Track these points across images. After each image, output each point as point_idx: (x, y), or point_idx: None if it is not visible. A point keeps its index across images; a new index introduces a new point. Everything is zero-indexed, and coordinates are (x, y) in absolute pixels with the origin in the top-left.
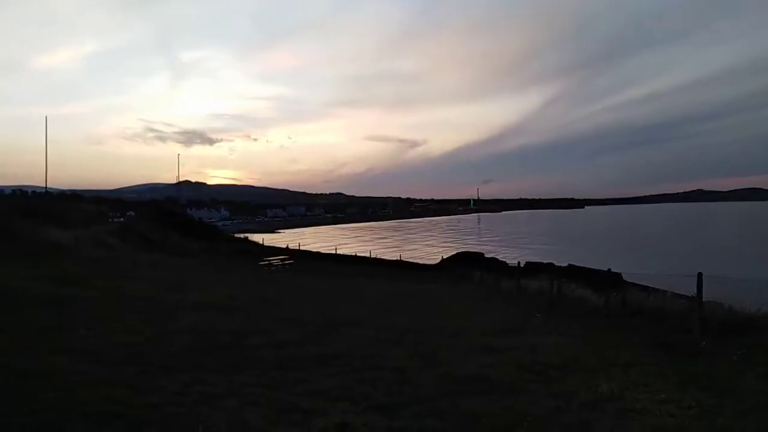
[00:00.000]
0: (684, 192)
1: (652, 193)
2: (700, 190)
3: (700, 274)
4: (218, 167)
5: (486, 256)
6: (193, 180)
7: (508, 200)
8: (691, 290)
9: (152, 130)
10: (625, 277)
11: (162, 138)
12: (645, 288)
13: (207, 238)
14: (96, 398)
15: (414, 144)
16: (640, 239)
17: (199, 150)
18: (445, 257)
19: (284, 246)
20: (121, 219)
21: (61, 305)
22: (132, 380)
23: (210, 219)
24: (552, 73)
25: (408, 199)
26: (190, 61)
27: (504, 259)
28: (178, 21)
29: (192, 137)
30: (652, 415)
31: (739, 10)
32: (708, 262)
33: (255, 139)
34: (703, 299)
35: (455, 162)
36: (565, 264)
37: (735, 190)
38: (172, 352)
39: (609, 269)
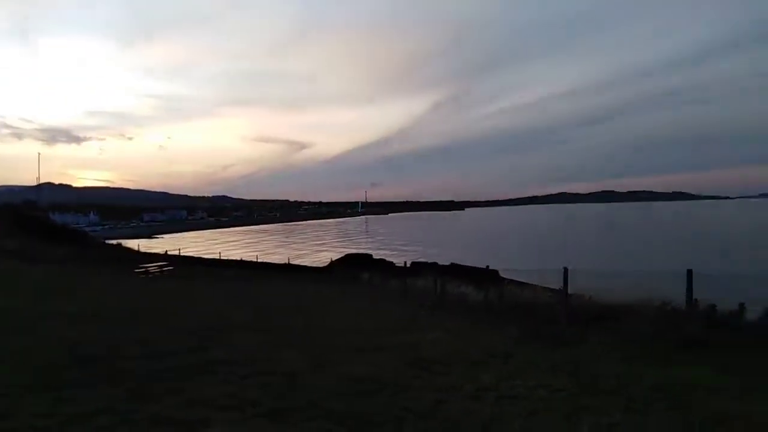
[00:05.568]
0: (551, 195)
1: (523, 196)
2: (564, 193)
3: (565, 269)
4: (87, 168)
5: (374, 257)
6: (56, 182)
7: (394, 203)
8: (558, 284)
9: (6, 126)
10: (501, 273)
11: (19, 135)
12: (519, 283)
13: (73, 244)
14: None
15: (303, 146)
16: (513, 237)
17: (63, 149)
18: (334, 259)
19: (163, 252)
20: None
21: None
22: None
23: (77, 224)
24: (437, 80)
25: (296, 201)
26: (53, 49)
27: (391, 260)
28: (38, 3)
29: (55, 135)
30: (527, 401)
31: (606, 26)
32: (572, 257)
33: (130, 138)
34: (569, 292)
35: (344, 165)
36: (447, 263)
37: (593, 193)
38: (34, 368)
39: (488, 266)
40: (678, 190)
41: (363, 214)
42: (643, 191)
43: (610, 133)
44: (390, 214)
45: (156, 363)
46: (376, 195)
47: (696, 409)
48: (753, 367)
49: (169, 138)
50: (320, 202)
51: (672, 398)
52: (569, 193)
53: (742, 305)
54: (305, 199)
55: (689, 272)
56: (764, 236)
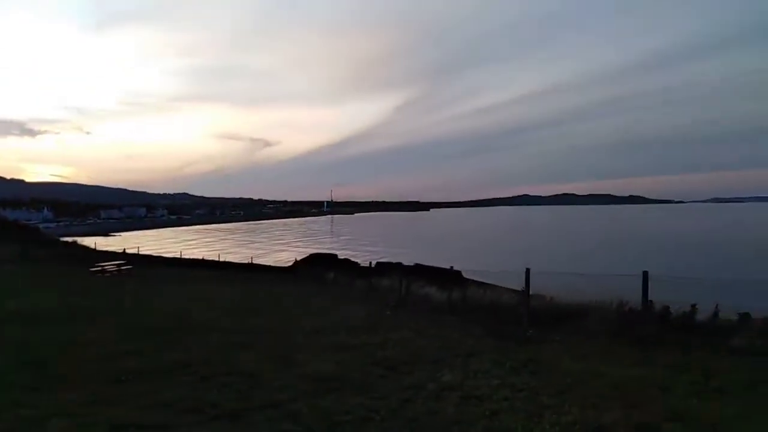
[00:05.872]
0: (513, 197)
1: (486, 197)
2: (526, 195)
3: (527, 270)
4: (41, 162)
5: (339, 257)
6: (7, 177)
7: (360, 203)
8: (520, 285)
9: None
10: (464, 274)
11: None
12: (482, 284)
13: (25, 241)
14: None
15: (267, 144)
16: (476, 239)
17: (15, 142)
18: (299, 259)
19: (121, 250)
20: None
21: None
22: None
23: (28, 221)
24: (402, 81)
25: (260, 200)
26: (4, 37)
27: (356, 260)
28: None
29: (7, 127)
30: (490, 400)
31: (571, 30)
32: (533, 258)
33: (87, 132)
34: (531, 293)
35: (309, 163)
36: (412, 263)
37: (553, 195)
38: None
39: (452, 267)
40: (634, 194)
41: (329, 214)
42: (601, 195)
43: (570, 137)
44: (356, 214)
45: (113, 365)
46: (341, 194)
47: (651, 407)
48: (705, 366)
49: (129, 133)
50: (285, 201)
51: (628, 396)
52: (530, 196)
53: (693, 306)
54: (269, 198)
55: (645, 274)
56: (713, 240)
